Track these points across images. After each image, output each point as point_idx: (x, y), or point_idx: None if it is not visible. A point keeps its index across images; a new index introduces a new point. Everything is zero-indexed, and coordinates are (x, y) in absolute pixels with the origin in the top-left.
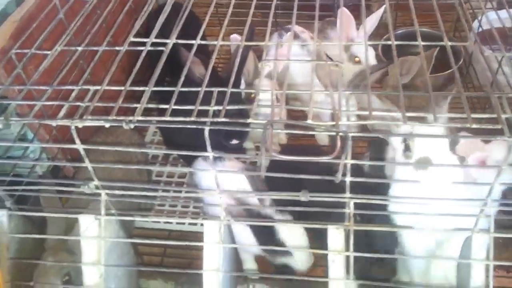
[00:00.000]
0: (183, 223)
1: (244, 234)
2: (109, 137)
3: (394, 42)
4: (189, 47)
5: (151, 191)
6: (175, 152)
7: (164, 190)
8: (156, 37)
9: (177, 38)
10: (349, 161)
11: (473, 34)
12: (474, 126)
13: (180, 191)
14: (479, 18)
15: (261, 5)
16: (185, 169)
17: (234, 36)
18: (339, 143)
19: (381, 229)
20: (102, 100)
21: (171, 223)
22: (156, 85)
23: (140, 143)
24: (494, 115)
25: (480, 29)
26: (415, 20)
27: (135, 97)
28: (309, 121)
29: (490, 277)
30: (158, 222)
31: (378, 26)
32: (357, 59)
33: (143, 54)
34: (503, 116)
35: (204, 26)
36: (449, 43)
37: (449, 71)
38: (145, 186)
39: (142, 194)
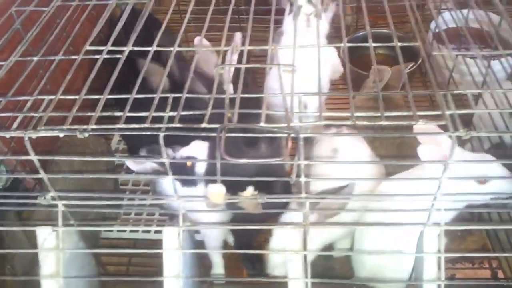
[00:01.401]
0: (149, 231)
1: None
2: (77, 146)
3: (346, 44)
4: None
5: (114, 199)
6: (130, 158)
7: (129, 199)
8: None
9: (143, 45)
10: (302, 162)
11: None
12: (420, 123)
13: (145, 199)
14: (437, 18)
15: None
16: (145, 177)
17: (198, 38)
18: (289, 145)
19: (335, 227)
20: (62, 109)
21: (137, 231)
22: (121, 92)
23: (108, 152)
24: (440, 112)
25: (437, 30)
26: (366, 23)
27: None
28: (262, 124)
29: (442, 269)
30: (124, 231)
31: (339, 28)
32: None
33: (99, 62)
34: (447, 112)
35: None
36: (399, 44)
37: (409, 68)
38: (106, 195)
39: (105, 204)
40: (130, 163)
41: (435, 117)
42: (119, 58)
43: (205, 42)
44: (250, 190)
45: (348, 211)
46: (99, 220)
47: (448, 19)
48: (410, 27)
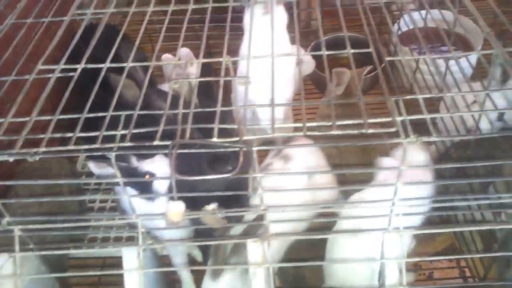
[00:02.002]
0: (119, 249)
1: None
2: (38, 170)
3: (325, 52)
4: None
5: (78, 221)
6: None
7: (95, 219)
8: (86, 61)
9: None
10: (258, 175)
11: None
12: (371, 131)
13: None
14: (400, 20)
15: (194, 19)
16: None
17: (166, 56)
18: (241, 159)
19: (297, 237)
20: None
21: (106, 247)
22: (90, 111)
23: (72, 174)
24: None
25: (400, 32)
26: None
27: (66, 126)
28: (214, 139)
29: (403, 274)
30: (92, 249)
31: (307, 33)
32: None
33: (51, 81)
34: (397, 118)
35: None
36: (351, 51)
37: (372, 73)
38: (69, 218)
39: (69, 226)
40: (93, 166)
41: (388, 124)
42: (93, 75)
43: (169, 56)
44: (211, 206)
45: (306, 220)
46: (66, 242)
47: (415, 19)
48: (375, 29)
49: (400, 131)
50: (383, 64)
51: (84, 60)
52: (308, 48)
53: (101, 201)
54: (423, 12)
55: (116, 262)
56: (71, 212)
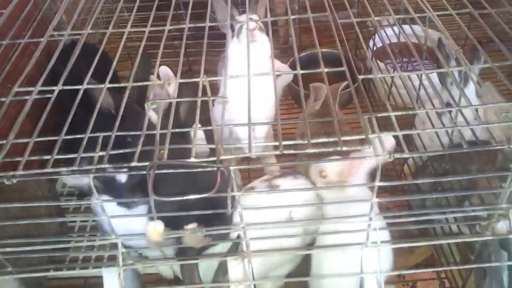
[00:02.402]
0: (100, 267)
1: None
2: (14, 191)
3: (300, 71)
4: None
5: (58, 243)
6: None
7: (76, 241)
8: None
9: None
10: (236, 193)
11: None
12: (345, 148)
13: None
14: (375, 35)
15: (174, 36)
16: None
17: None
18: (219, 178)
19: (276, 255)
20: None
21: (87, 268)
22: (70, 129)
23: (50, 195)
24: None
25: (375, 47)
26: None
27: (47, 146)
28: (192, 159)
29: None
30: (73, 269)
31: (286, 49)
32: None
33: (28, 103)
34: (371, 136)
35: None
36: (325, 70)
37: (349, 89)
38: (48, 239)
39: (48, 248)
40: (67, 177)
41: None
42: (73, 94)
43: (166, 70)
44: (190, 225)
45: (288, 237)
46: (45, 262)
47: (389, 34)
48: (352, 44)
49: (374, 148)
50: (356, 83)
51: (61, 81)
52: (287, 64)
53: (82, 220)
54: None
55: (98, 282)
56: (50, 233)
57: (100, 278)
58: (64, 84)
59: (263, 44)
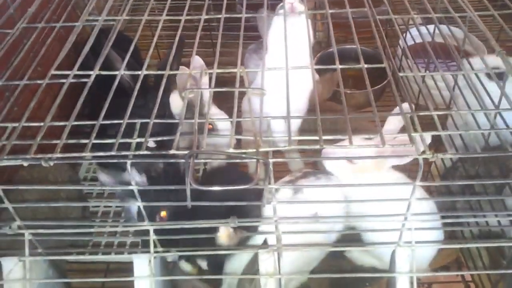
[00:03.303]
0: (123, 252)
1: None
2: (38, 173)
3: (339, 66)
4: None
5: (82, 227)
6: (100, 188)
7: (99, 226)
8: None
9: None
10: (273, 186)
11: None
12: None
13: (117, 226)
14: (405, 34)
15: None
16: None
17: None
18: (259, 170)
19: (308, 249)
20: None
21: (109, 254)
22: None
23: (71, 180)
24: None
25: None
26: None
27: (72, 132)
28: (231, 150)
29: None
30: (96, 254)
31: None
32: None
33: (64, 87)
34: (413, 134)
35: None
36: (365, 66)
37: (376, 87)
38: (75, 223)
39: (73, 232)
40: (102, 174)
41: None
42: (107, 80)
43: (199, 60)
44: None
45: (320, 232)
46: (68, 247)
47: (416, 34)
48: (381, 42)
49: (416, 148)
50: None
51: (97, 66)
52: (314, 59)
53: (105, 207)
54: (429, 27)
55: (120, 268)
56: (72, 218)
57: (121, 264)
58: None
59: (302, 16)
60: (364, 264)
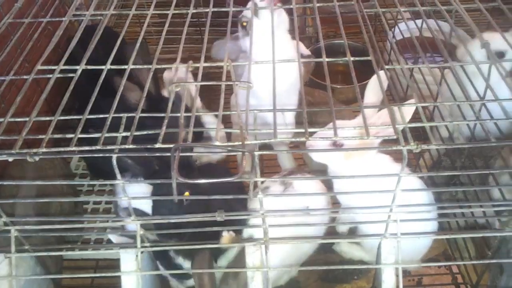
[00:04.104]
0: (112, 250)
1: None
2: (32, 169)
3: (325, 59)
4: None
5: (73, 223)
6: (87, 182)
7: (89, 221)
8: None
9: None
10: (259, 179)
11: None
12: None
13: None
14: (394, 28)
15: (191, 23)
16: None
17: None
18: (244, 163)
19: (295, 242)
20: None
21: (99, 250)
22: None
23: (63, 174)
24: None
25: (394, 41)
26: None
27: (68, 127)
28: (217, 143)
29: (400, 280)
30: (86, 251)
31: (302, 39)
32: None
33: (51, 82)
34: (398, 126)
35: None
36: (352, 58)
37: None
38: (64, 219)
39: (63, 227)
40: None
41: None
42: (90, 77)
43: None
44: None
45: (308, 226)
46: (59, 243)
47: (404, 29)
48: (369, 36)
49: (400, 139)
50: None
51: (83, 62)
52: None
53: (95, 203)
54: (417, 22)
55: (109, 264)
56: (64, 214)
57: (111, 261)
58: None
59: (281, 14)
60: (353, 257)
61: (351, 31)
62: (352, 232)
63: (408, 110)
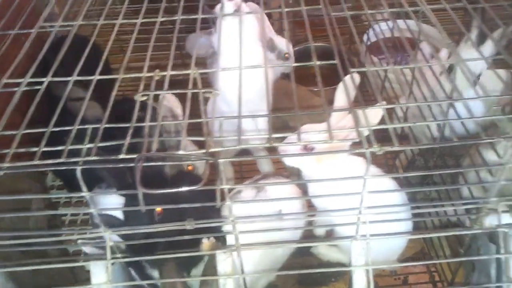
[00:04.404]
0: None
1: None
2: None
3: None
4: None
5: (48, 236)
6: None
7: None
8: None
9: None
10: (225, 186)
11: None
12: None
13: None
14: (369, 30)
15: (166, 29)
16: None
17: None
18: (207, 171)
19: (266, 248)
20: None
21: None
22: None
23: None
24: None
25: (369, 42)
26: None
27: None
28: (181, 152)
29: (371, 281)
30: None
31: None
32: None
33: (17, 95)
34: (360, 129)
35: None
36: (318, 62)
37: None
38: (37, 233)
39: (37, 241)
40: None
41: None
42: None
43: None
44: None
45: (282, 230)
46: (37, 257)
47: (384, 29)
48: (346, 38)
49: (363, 141)
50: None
51: (51, 73)
52: None
53: (73, 215)
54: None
55: (88, 277)
56: (39, 227)
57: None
58: (55, 77)
59: (249, 18)
60: (331, 259)
61: (326, 34)
62: (330, 235)
63: (375, 112)
